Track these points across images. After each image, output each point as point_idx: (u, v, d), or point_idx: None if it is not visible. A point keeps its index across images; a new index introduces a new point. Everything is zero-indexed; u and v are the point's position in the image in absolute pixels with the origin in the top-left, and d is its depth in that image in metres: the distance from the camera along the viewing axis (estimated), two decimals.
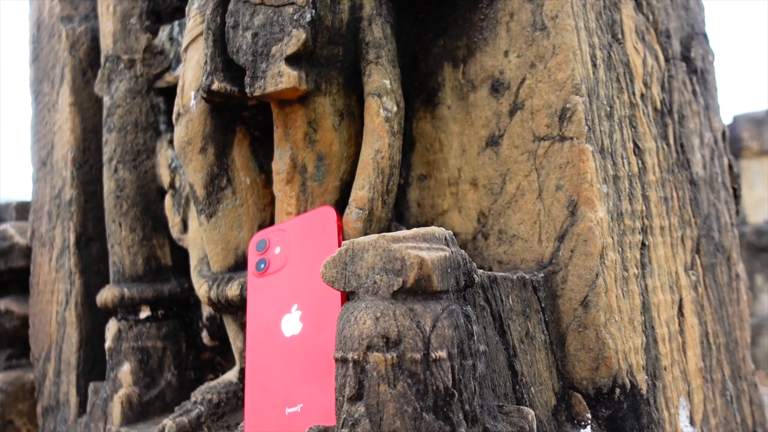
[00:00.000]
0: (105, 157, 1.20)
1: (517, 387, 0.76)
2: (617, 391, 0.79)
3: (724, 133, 1.10)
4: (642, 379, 0.82)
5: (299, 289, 0.83)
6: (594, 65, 0.86)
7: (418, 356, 0.61)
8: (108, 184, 1.19)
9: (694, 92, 1.05)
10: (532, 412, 0.67)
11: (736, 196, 1.09)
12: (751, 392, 1.05)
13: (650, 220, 0.90)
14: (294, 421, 0.76)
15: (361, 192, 0.86)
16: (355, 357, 0.62)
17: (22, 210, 2.04)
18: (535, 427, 0.67)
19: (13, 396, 1.57)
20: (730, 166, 1.09)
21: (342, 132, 0.92)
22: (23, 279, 1.75)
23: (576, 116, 0.82)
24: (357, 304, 0.65)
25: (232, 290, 0.94)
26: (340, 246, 0.83)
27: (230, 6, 0.91)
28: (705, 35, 1.12)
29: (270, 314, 0.84)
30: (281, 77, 0.84)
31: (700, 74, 1.07)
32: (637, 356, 0.82)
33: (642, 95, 0.94)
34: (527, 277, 0.82)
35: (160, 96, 1.23)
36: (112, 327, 1.15)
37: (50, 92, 1.42)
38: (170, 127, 1.23)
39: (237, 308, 0.96)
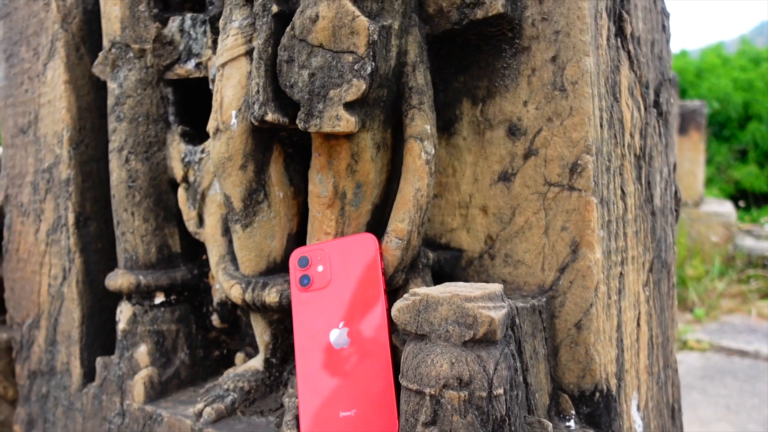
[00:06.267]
0: (114, 146, 1.22)
1: (529, 395, 0.95)
2: (597, 394, 1.01)
3: (675, 165, 1.31)
4: (613, 383, 1.04)
5: (344, 308, 0.96)
6: (601, 126, 1.02)
7: (484, 394, 0.77)
8: (118, 173, 1.21)
9: (660, 134, 1.24)
10: (550, 424, 0.87)
11: (677, 215, 1.32)
12: (673, 377, 1.32)
13: (626, 252, 1.10)
14: (348, 424, 0.91)
15: (401, 225, 0.98)
16: (432, 392, 0.77)
17: None
18: None
19: None
20: (676, 192, 1.31)
21: (377, 162, 1.03)
22: None
23: (586, 172, 0.98)
24: (432, 348, 0.79)
25: (270, 296, 1.04)
26: (382, 270, 0.97)
27: (284, 40, 0.96)
28: (670, 80, 1.31)
29: (318, 326, 0.97)
30: (339, 120, 0.92)
31: (664, 116, 1.27)
32: (611, 366, 1.04)
33: (628, 145, 1.11)
34: (536, 303, 1.00)
35: (169, 87, 1.25)
36: (125, 310, 1.22)
37: (33, 60, 1.37)
38: (178, 119, 1.26)
39: (271, 311, 1.07)
